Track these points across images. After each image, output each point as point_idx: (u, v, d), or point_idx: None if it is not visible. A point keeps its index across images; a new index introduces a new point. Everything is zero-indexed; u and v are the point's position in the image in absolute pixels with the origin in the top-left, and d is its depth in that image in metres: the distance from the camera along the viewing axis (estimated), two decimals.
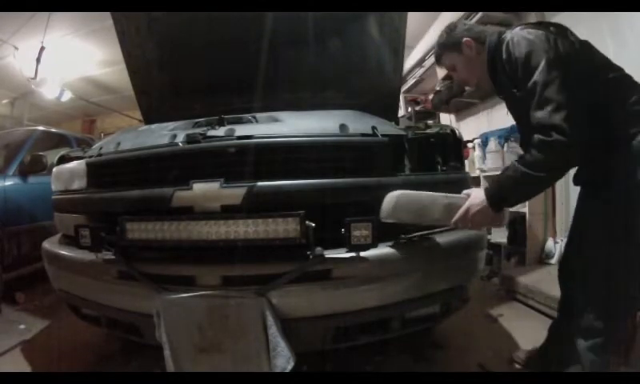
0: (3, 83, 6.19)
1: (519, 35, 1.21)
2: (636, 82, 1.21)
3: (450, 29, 1.40)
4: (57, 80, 5.88)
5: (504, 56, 1.24)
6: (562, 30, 1.23)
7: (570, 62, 1.15)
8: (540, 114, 1.10)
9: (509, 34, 1.25)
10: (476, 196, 1.19)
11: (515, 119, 1.38)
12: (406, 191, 1.17)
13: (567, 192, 2.90)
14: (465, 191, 1.23)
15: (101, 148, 1.53)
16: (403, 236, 1.23)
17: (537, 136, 1.10)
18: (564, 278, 1.44)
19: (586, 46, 1.25)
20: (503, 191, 1.17)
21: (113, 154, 1.44)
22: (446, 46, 1.41)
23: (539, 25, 1.25)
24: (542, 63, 1.12)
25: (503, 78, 1.28)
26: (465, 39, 1.35)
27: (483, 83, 1.40)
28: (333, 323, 1.21)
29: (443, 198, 1.20)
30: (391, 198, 1.16)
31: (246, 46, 1.99)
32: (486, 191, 1.18)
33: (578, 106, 1.09)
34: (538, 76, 1.12)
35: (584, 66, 1.19)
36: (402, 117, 4.53)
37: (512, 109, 1.36)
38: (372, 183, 1.22)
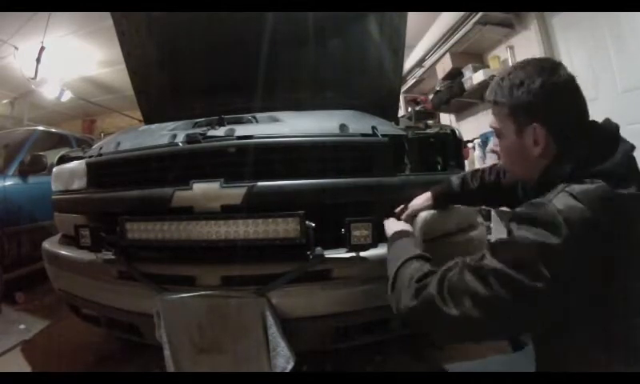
0: (3, 83, 6.17)
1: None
2: None
3: (529, 88, 0.77)
4: (57, 80, 5.87)
5: None
6: None
7: None
8: None
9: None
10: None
11: None
12: (430, 212, 1.23)
13: None
14: None
15: (101, 148, 1.53)
16: None
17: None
18: None
19: None
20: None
21: (113, 153, 1.44)
22: (515, 108, 0.80)
23: None
24: None
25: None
26: (535, 125, 0.78)
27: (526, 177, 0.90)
28: (333, 323, 1.20)
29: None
30: (422, 219, 1.21)
31: (246, 46, 1.99)
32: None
33: None
34: None
35: None
36: (402, 117, 4.52)
37: None
38: (372, 183, 1.23)
